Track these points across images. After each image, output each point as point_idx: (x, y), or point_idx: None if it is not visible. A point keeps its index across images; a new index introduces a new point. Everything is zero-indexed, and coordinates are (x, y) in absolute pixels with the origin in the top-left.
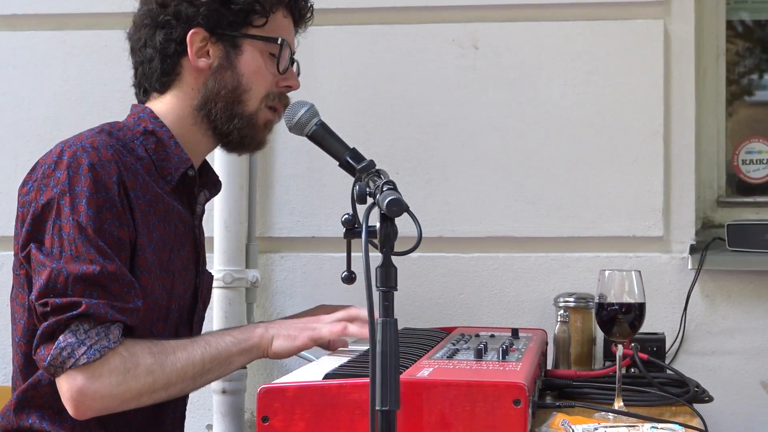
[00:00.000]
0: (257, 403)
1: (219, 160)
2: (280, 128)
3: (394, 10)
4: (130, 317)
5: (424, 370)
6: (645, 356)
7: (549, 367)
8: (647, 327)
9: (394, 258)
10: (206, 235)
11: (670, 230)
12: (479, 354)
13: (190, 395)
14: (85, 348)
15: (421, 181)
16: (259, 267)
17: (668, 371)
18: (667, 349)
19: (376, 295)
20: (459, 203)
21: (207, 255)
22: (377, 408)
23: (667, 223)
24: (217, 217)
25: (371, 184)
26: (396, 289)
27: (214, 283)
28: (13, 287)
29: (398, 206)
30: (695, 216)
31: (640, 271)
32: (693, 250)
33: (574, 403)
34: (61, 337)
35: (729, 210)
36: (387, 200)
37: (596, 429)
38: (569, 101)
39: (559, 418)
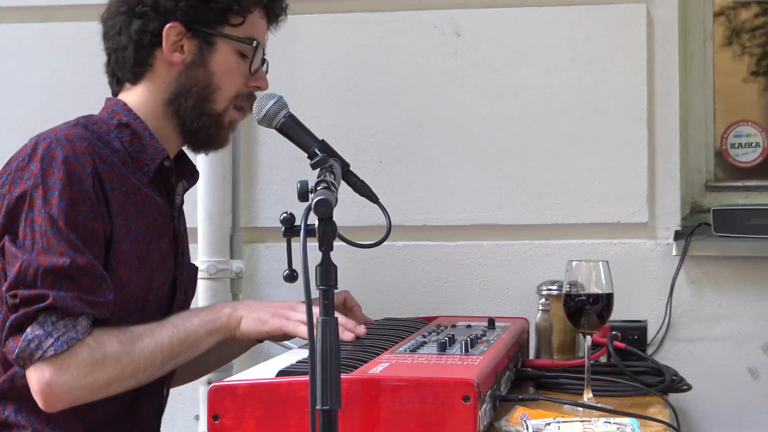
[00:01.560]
0: (208, 401)
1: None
2: None
3: None
4: (100, 310)
5: (379, 365)
6: (622, 345)
7: (531, 356)
8: (631, 314)
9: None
10: (190, 226)
11: (655, 216)
12: (443, 347)
13: (180, 387)
14: (53, 340)
15: (405, 169)
16: (244, 257)
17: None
18: (652, 336)
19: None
20: (443, 191)
21: (191, 246)
22: (317, 407)
23: (652, 208)
24: (201, 208)
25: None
26: (336, 288)
27: (199, 274)
28: None
29: (326, 207)
30: (683, 201)
31: (607, 261)
32: (678, 236)
33: (537, 396)
34: (28, 329)
35: (718, 195)
36: (315, 200)
37: (548, 424)
38: (552, 87)
39: (518, 412)
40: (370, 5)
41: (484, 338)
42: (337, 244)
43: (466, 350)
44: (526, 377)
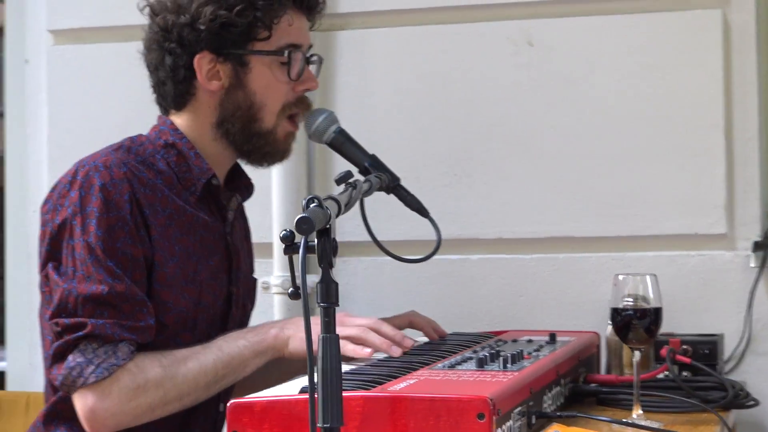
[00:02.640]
0: (227, 418)
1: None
2: None
3: (447, 10)
4: (141, 335)
5: (404, 382)
6: (687, 360)
7: (603, 371)
8: (708, 328)
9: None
10: (264, 241)
11: (734, 227)
12: (481, 363)
13: None
14: (94, 367)
15: (479, 181)
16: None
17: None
18: (731, 350)
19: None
20: (518, 203)
21: (267, 261)
22: (318, 425)
23: (730, 219)
24: (275, 223)
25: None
26: (337, 305)
27: (274, 290)
28: (40, 305)
29: (307, 224)
30: (762, 211)
31: (656, 275)
32: (757, 247)
33: (576, 413)
34: (70, 357)
35: None
36: (297, 218)
37: None
38: (626, 96)
39: (553, 429)
40: (441, 17)
41: (534, 353)
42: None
43: (505, 366)
44: (584, 393)
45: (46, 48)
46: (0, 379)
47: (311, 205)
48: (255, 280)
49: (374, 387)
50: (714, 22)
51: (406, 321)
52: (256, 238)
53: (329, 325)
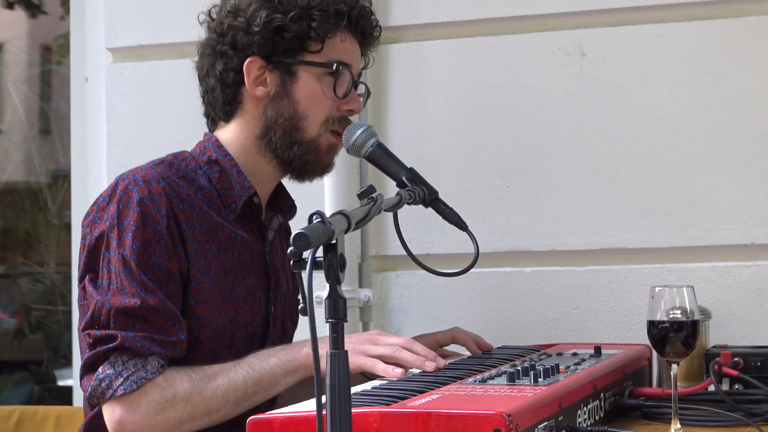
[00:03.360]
0: None
1: (328, 179)
2: (392, 149)
3: (499, 21)
4: (172, 350)
5: (428, 397)
6: (734, 372)
7: (654, 384)
8: (765, 339)
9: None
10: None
11: None
12: (512, 378)
13: None
14: (123, 379)
15: (532, 193)
16: (375, 286)
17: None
18: None
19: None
20: (570, 215)
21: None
22: None
23: None
24: None
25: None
26: (345, 321)
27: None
28: (79, 318)
29: (304, 240)
30: None
31: (692, 287)
32: None
33: (608, 427)
34: (100, 369)
35: None
36: (293, 234)
37: None
38: (679, 105)
39: None
40: (492, 29)
41: (573, 367)
42: (471, 271)
43: (536, 380)
44: (627, 407)
45: (105, 66)
46: (68, 395)
47: (315, 221)
48: (298, 300)
49: (395, 402)
50: None
51: (449, 336)
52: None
53: (337, 341)
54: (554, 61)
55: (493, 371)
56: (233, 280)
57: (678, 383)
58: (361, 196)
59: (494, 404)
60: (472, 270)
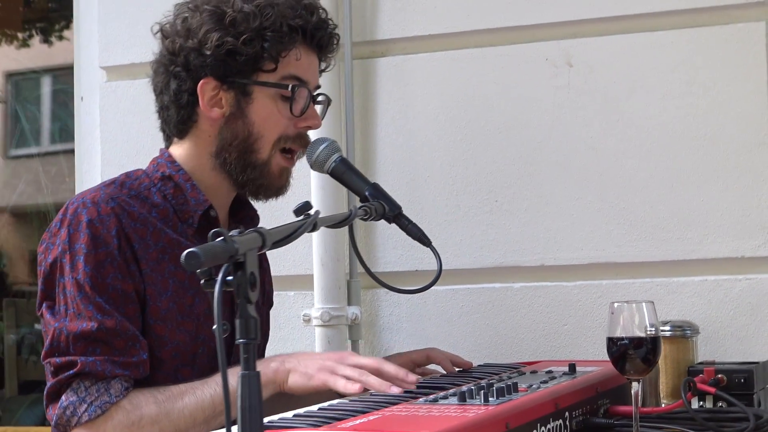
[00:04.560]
0: None
1: (316, 193)
2: (380, 163)
3: (485, 33)
4: (134, 371)
5: (363, 419)
6: (712, 389)
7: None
8: (757, 355)
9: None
10: (306, 273)
11: None
12: (463, 397)
13: None
14: (86, 405)
15: (520, 208)
16: (365, 303)
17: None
18: None
19: None
20: (559, 229)
21: (308, 293)
22: None
23: None
24: (315, 255)
25: None
26: (257, 341)
27: (315, 322)
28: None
29: (195, 259)
30: None
31: (653, 302)
32: None
33: None
34: (63, 396)
35: None
36: (185, 252)
37: None
38: (668, 115)
39: None
40: (479, 41)
41: (536, 385)
42: (460, 287)
43: (486, 400)
44: (597, 427)
45: (99, 84)
46: None
47: (216, 240)
48: (266, 314)
49: (326, 424)
50: (757, 35)
51: (424, 355)
52: (296, 270)
53: (248, 361)
54: (541, 72)
55: (451, 391)
56: (193, 296)
57: (663, 400)
58: (296, 212)
59: (422, 426)
60: (461, 286)
